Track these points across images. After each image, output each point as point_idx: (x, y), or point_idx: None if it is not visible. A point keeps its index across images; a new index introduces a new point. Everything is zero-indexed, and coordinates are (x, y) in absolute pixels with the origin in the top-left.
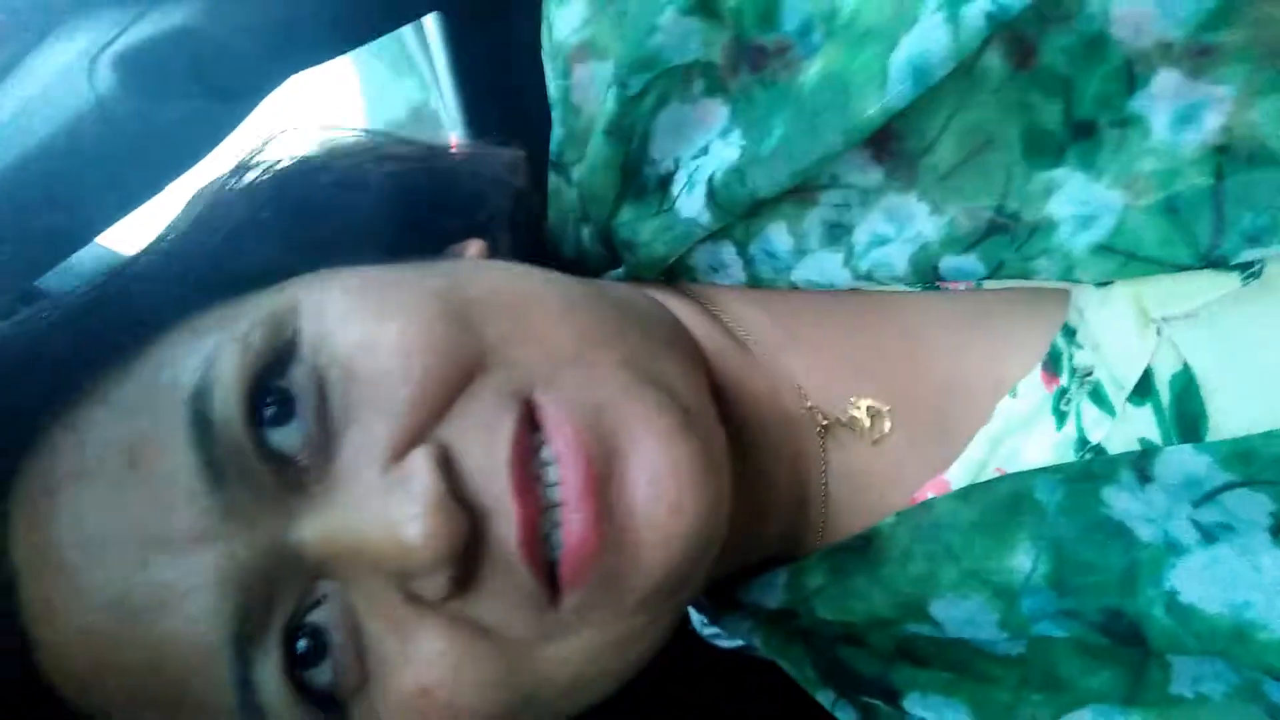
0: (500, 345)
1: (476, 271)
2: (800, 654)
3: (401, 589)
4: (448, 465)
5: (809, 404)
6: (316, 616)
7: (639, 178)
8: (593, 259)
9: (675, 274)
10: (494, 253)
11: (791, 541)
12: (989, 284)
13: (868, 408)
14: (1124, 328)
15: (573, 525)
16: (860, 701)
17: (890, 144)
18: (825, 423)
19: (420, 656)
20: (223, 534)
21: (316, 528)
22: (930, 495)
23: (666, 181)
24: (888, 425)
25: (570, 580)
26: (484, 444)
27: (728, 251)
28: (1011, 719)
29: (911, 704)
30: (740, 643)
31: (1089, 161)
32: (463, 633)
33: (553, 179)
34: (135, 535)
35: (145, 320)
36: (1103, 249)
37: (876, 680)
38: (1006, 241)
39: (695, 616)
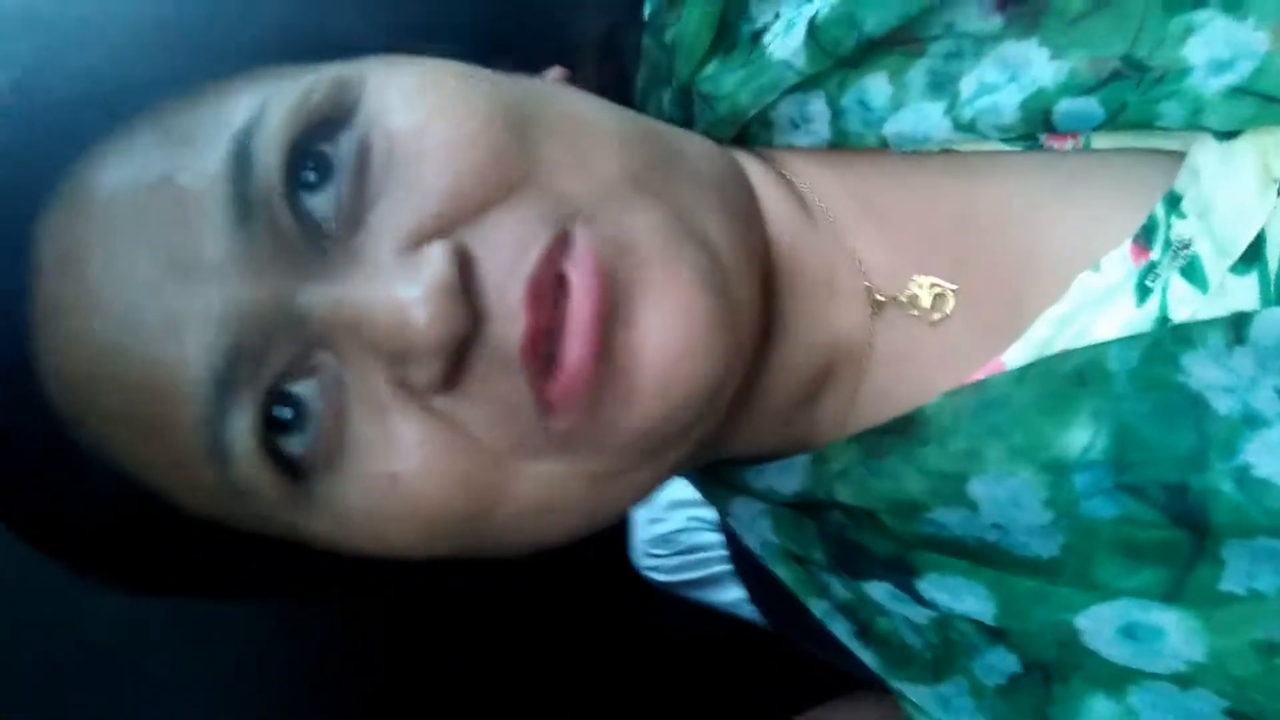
0: (551, 169)
1: (550, 92)
2: (811, 536)
3: (393, 374)
4: (464, 263)
5: (866, 281)
6: (305, 386)
7: (733, 32)
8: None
9: (751, 135)
10: (575, 83)
11: (808, 428)
12: (1100, 141)
13: (931, 285)
14: (1243, 186)
15: (570, 349)
16: (859, 613)
17: None
18: (880, 300)
19: (397, 443)
20: (235, 273)
21: (324, 295)
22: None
23: (760, 36)
24: (950, 305)
25: (560, 400)
26: (508, 257)
27: (817, 103)
28: (1035, 607)
29: (927, 586)
30: (679, 578)
31: (1234, 2)
32: (443, 428)
33: (645, 40)
34: (156, 257)
35: (214, 59)
36: (1238, 92)
37: (892, 560)
38: (1131, 85)
39: (639, 545)
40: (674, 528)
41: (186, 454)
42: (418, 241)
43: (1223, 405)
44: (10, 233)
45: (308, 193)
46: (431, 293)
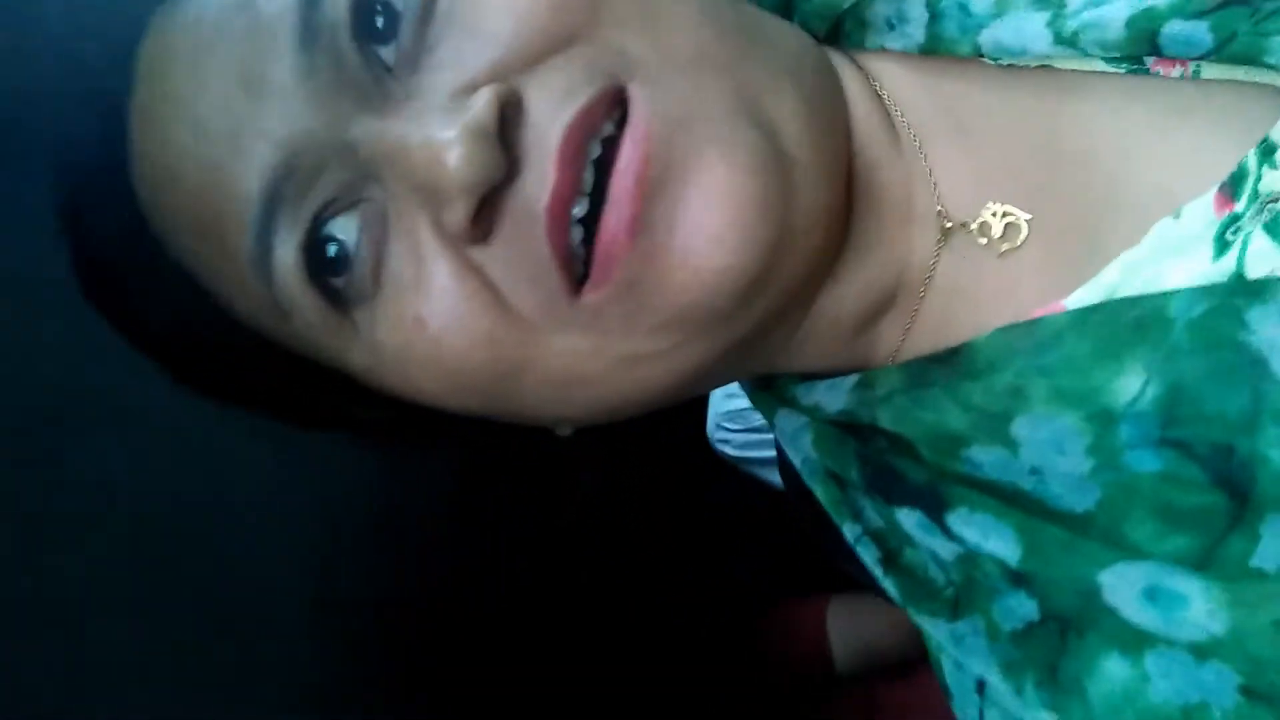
0: (617, 24)
1: None
2: (850, 455)
3: (431, 216)
4: (512, 109)
5: (940, 205)
6: (350, 220)
7: None
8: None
9: (845, 33)
10: None
11: (865, 350)
12: (1210, 71)
13: (1004, 214)
14: None
15: (607, 219)
16: (888, 540)
17: None
18: (949, 225)
19: (428, 285)
20: (296, 96)
21: (373, 130)
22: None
23: None
24: (1022, 236)
25: (594, 272)
26: (554, 103)
27: (915, 5)
28: (1061, 555)
29: (956, 520)
30: (747, 454)
31: None
32: (474, 280)
33: None
34: (229, 73)
35: None
36: None
37: (925, 489)
38: (1246, 13)
39: (712, 418)
40: (747, 404)
41: (238, 263)
42: (472, 86)
43: None
44: (122, 46)
45: (375, 41)
46: (465, 135)
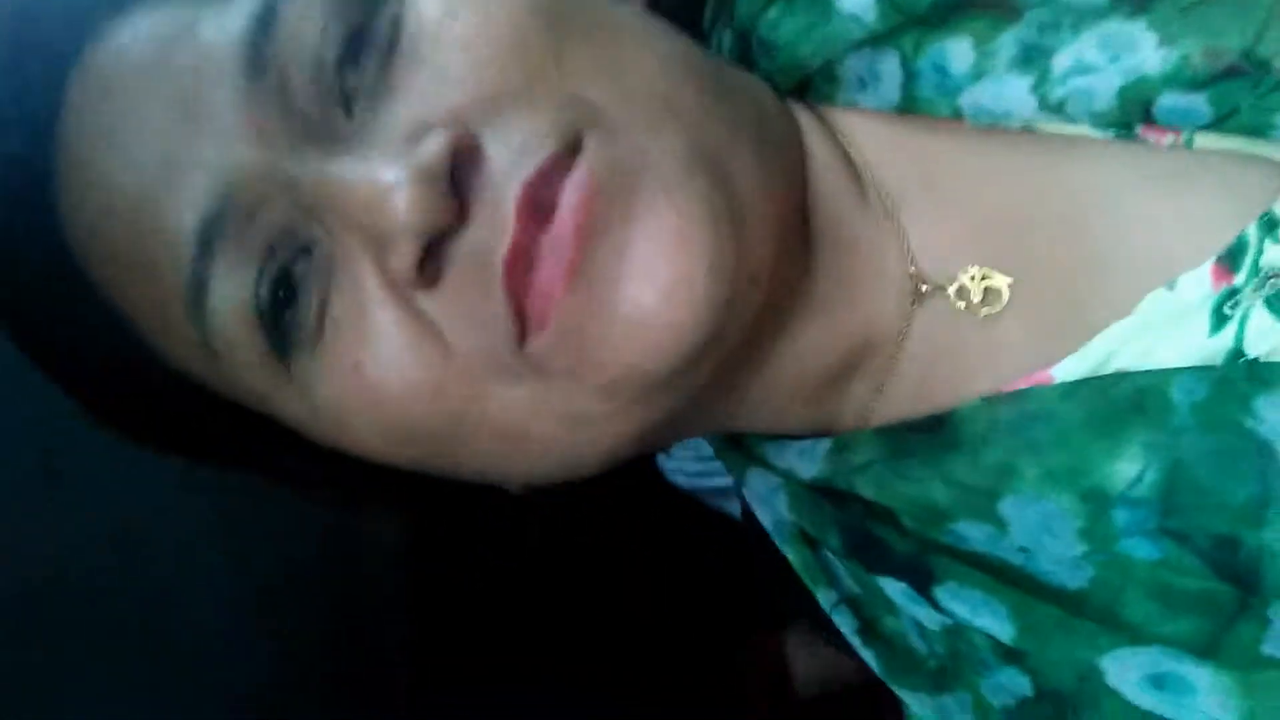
0: (579, 72)
1: (605, 4)
2: (828, 520)
3: (375, 260)
4: (468, 156)
5: (912, 266)
6: (301, 263)
7: None
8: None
9: (814, 88)
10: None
11: (834, 410)
12: (1204, 140)
13: (982, 278)
14: None
15: (544, 265)
16: (865, 609)
17: None
18: (924, 289)
19: (369, 331)
20: (237, 130)
21: (317, 167)
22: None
23: None
24: (1003, 302)
25: (534, 317)
26: (514, 156)
27: (888, 63)
28: (1058, 637)
29: (945, 595)
30: (700, 484)
31: None
32: (417, 327)
33: None
34: (168, 103)
35: None
36: None
37: (910, 560)
38: (1247, 86)
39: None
40: None
41: (169, 300)
42: (425, 128)
43: None
44: (52, 70)
45: (343, 64)
46: (413, 178)
